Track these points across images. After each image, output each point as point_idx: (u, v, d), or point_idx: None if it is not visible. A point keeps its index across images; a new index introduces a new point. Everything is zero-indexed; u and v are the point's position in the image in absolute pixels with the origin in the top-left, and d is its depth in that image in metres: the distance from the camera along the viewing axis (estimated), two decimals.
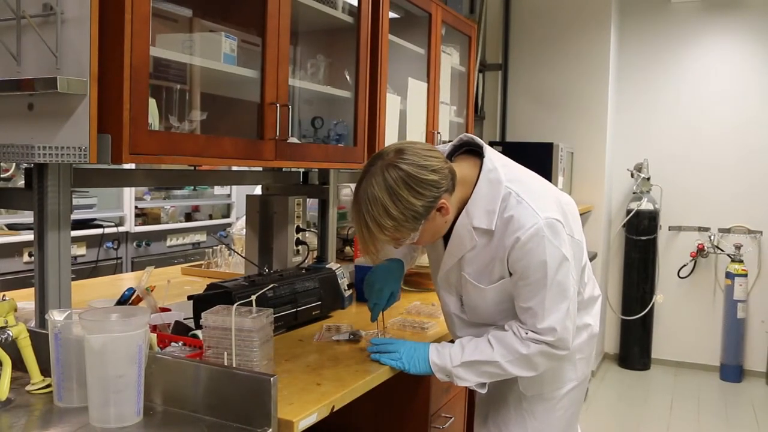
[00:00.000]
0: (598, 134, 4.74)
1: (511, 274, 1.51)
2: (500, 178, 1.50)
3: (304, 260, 2.48)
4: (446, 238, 1.59)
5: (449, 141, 3.22)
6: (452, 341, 1.66)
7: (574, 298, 1.53)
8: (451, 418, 2.04)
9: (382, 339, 1.74)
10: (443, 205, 1.45)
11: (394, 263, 1.82)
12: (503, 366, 1.52)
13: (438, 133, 2.88)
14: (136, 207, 4.31)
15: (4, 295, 1.74)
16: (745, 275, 4.66)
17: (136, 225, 4.26)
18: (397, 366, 1.64)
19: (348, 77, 2.36)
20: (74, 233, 1.82)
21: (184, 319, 1.78)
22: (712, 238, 4.87)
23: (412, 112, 2.72)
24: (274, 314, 1.63)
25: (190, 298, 1.86)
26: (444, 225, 1.52)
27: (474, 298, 1.61)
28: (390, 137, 2.53)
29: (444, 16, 2.90)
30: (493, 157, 1.54)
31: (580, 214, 1.71)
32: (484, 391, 1.61)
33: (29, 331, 1.40)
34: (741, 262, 4.70)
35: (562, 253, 1.47)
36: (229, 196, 5.32)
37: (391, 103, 2.51)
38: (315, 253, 2.62)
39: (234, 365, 1.42)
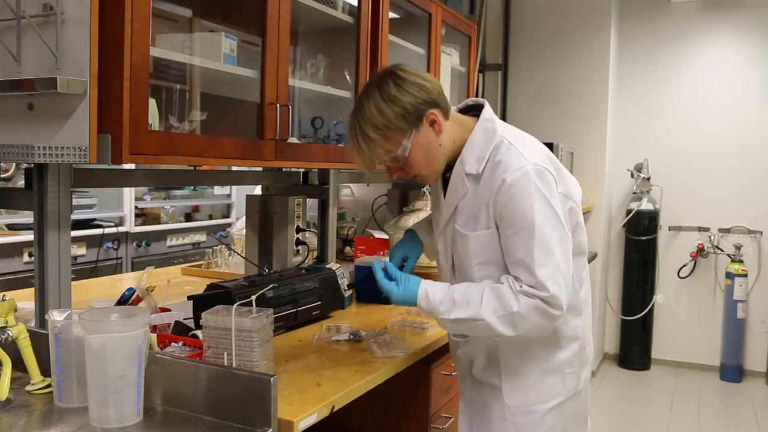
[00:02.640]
0: (598, 134, 4.74)
1: (498, 228, 1.47)
2: (496, 128, 1.52)
3: (304, 260, 2.48)
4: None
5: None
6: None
7: (567, 254, 1.46)
8: (451, 418, 2.04)
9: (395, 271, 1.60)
10: (434, 117, 1.47)
11: (410, 233, 1.79)
12: (491, 324, 1.44)
13: None
14: (136, 207, 4.31)
15: (4, 295, 1.74)
16: (745, 275, 4.66)
17: (136, 225, 4.26)
18: (384, 287, 1.54)
19: (348, 77, 2.36)
20: (74, 233, 1.82)
21: (184, 319, 1.78)
22: (712, 238, 4.86)
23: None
24: (274, 314, 1.63)
25: (190, 298, 1.86)
26: (438, 148, 1.50)
27: (460, 252, 1.56)
28: None
29: (444, 16, 2.90)
30: (493, 114, 1.57)
31: None
32: (462, 340, 1.59)
33: (29, 331, 1.40)
34: (741, 262, 4.69)
35: (551, 203, 1.43)
36: (229, 196, 5.32)
37: None
38: (315, 253, 2.62)
39: (234, 365, 1.42)
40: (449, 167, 1.56)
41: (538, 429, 1.58)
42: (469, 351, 1.65)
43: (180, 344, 1.58)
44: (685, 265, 4.95)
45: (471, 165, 1.51)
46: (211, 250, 2.99)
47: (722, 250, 4.83)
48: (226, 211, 5.34)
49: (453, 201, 1.56)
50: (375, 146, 1.47)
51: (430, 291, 1.51)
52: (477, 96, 4.65)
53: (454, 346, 1.71)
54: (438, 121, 1.48)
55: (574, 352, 1.60)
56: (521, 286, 1.43)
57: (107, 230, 3.95)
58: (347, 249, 3.18)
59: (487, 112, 1.56)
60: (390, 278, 1.55)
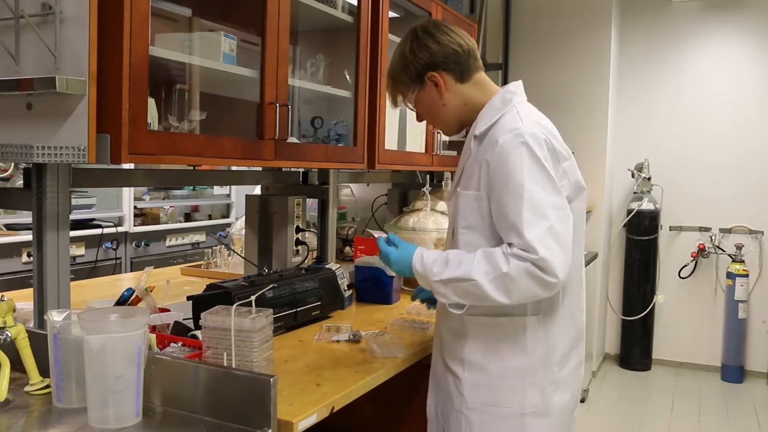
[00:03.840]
0: (598, 134, 4.74)
1: (487, 194, 1.46)
2: (514, 99, 1.55)
3: (304, 260, 2.48)
4: None
5: (449, 140, 3.20)
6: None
7: (564, 221, 1.42)
8: None
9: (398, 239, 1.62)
10: (436, 80, 1.56)
11: None
12: (482, 285, 1.40)
13: (438, 132, 2.88)
14: (135, 207, 4.31)
15: (2, 296, 1.73)
16: (747, 275, 4.65)
17: (135, 225, 4.26)
18: (384, 249, 1.58)
19: (348, 77, 2.35)
20: (73, 233, 1.82)
21: (184, 319, 1.78)
22: (713, 238, 4.86)
23: (413, 112, 2.71)
24: (274, 315, 1.63)
25: (189, 298, 1.85)
26: (441, 108, 1.60)
27: (455, 213, 1.56)
28: (390, 137, 2.53)
29: (444, 15, 2.89)
30: (521, 89, 1.61)
31: None
32: (460, 312, 1.50)
33: (28, 331, 1.39)
34: (742, 262, 4.69)
35: (545, 167, 1.41)
36: (228, 196, 5.31)
37: None
38: (315, 254, 2.62)
39: (233, 366, 1.42)
40: None
41: (494, 430, 1.53)
42: (440, 331, 1.65)
43: (179, 344, 1.58)
44: (686, 265, 4.95)
45: (479, 128, 1.55)
46: (210, 250, 2.99)
47: (723, 250, 4.82)
48: (226, 211, 5.34)
49: (461, 163, 1.61)
50: (391, 88, 1.66)
51: (426, 254, 1.53)
52: None
53: (438, 322, 1.70)
54: (440, 84, 1.56)
55: (536, 362, 1.52)
56: (511, 249, 1.39)
57: (106, 230, 3.95)
58: (347, 249, 3.18)
59: (514, 85, 1.61)
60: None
